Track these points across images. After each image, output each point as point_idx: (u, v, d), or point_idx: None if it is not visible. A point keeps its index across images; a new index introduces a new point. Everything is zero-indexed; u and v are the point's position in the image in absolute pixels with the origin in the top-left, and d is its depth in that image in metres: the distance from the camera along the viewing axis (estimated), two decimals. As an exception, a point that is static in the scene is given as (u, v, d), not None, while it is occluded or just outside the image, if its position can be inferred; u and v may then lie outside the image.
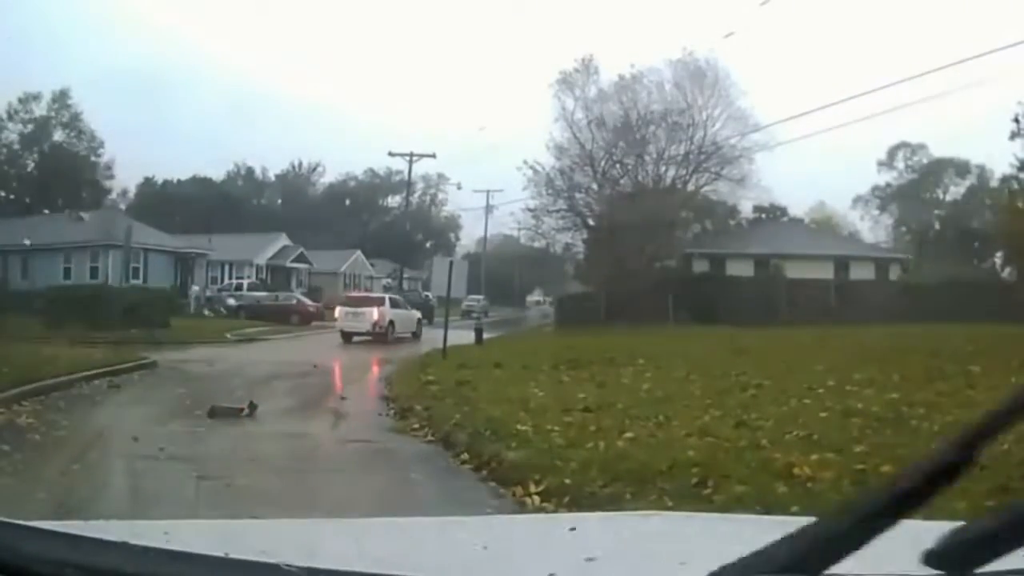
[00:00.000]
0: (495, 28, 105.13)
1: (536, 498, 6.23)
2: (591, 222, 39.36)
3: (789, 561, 0.92)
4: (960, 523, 0.96)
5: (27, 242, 34.94)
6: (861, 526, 0.91)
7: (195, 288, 38.71)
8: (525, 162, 38.54)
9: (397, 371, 15.97)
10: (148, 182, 62.97)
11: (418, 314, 29.72)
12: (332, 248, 54.84)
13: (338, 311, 16.26)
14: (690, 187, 38.84)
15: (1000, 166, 44.94)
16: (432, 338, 20.90)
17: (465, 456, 7.98)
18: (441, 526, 2.06)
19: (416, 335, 27.01)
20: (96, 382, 13.67)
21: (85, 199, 48.56)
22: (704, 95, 37.81)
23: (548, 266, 56.72)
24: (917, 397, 9.63)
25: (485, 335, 25.15)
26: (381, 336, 23.01)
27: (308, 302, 39.33)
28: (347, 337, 16.47)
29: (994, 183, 51.22)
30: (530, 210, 39.52)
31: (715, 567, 1.19)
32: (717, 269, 38.17)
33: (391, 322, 25.21)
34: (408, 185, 55.57)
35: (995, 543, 0.88)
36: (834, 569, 0.91)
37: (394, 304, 26.89)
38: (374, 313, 24.20)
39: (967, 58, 36.42)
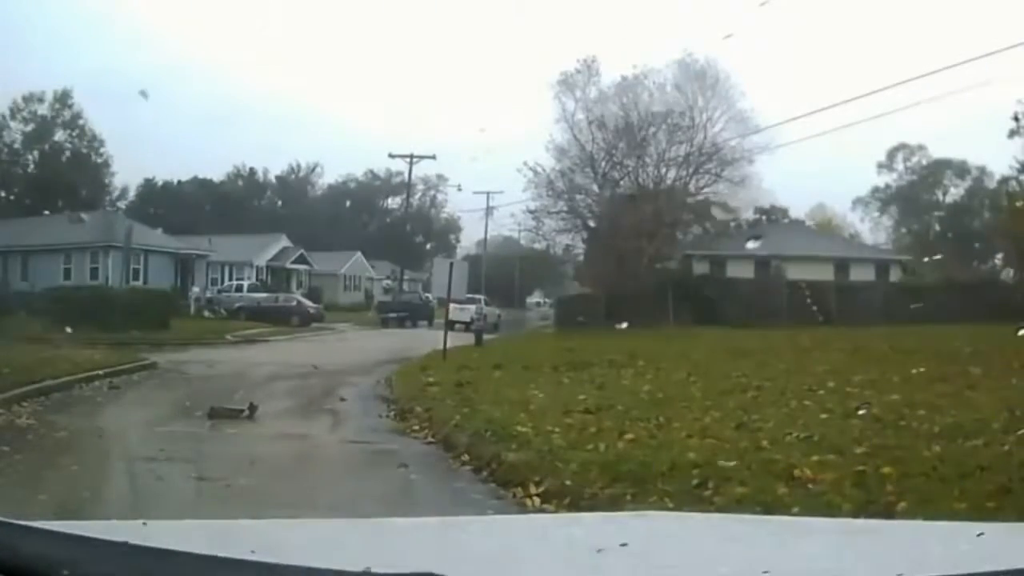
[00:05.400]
0: (495, 29, 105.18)
1: (536, 499, 6.23)
2: (591, 223, 39.36)
3: None
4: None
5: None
6: None
7: (195, 289, 38.70)
8: (525, 163, 38.58)
9: (397, 372, 15.97)
10: (148, 183, 62.98)
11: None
12: (332, 249, 54.84)
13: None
14: (690, 189, 38.85)
15: (999, 167, 45.03)
16: (433, 339, 20.91)
17: (465, 457, 7.98)
18: (441, 527, 2.06)
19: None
20: (96, 383, 13.66)
21: (85, 199, 48.55)
22: (704, 96, 37.81)
23: (548, 268, 56.68)
24: (918, 398, 9.62)
25: (485, 336, 25.31)
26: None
27: (308, 303, 39.32)
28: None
29: (993, 184, 51.29)
30: (530, 211, 39.57)
31: (715, 567, 1.19)
32: (717, 270, 38.16)
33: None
34: (408, 186, 55.61)
35: None
36: None
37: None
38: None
39: (966, 59, 36.41)
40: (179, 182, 64.29)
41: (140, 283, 34.01)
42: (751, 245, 37.17)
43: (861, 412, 8.77)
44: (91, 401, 12.15)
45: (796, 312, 31.74)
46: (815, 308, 32.41)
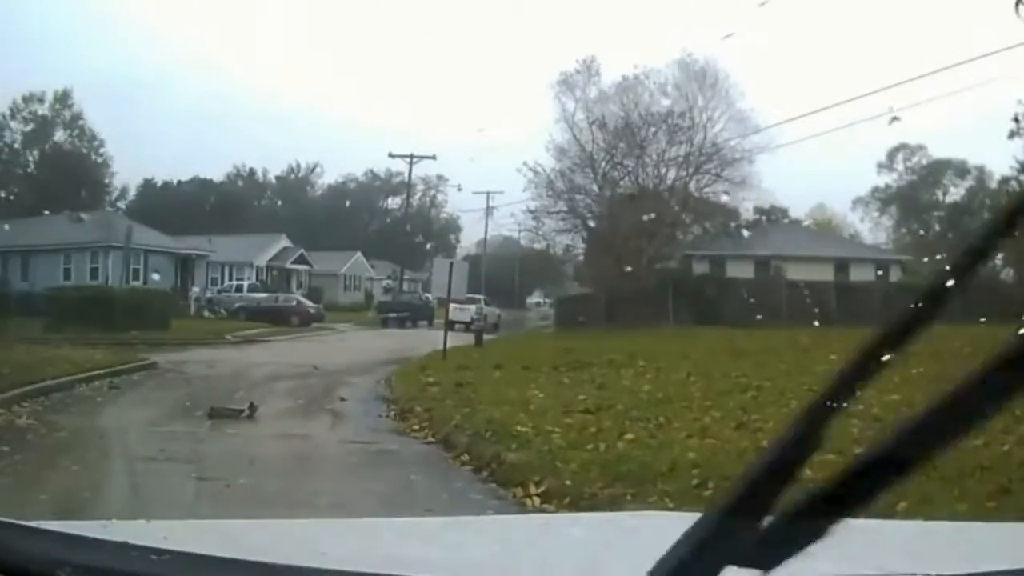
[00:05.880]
0: (495, 29, 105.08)
1: (536, 499, 6.23)
2: (591, 224, 39.38)
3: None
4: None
5: None
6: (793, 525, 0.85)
7: (195, 289, 38.70)
8: (525, 163, 38.61)
9: (397, 372, 15.97)
10: (148, 183, 62.97)
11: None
12: (332, 249, 54.81)
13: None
14: (690, 189, 38.86)
15: (1000, 167, 44.98)
16: (433, 339, 20.92)
17: (465, 457, 7.98)
18: (441, 527, 2.06)
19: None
20: (96, 383, 13.66)
21: (85, 200, 48.55)
22: (704, 96, 37.82)
23: (548, 268, 56.68)
24: (918, 398, 9.60)
25: (485, 336, 25.36)
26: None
27: (308, 303, 39.31)
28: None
29: (994, 184, 51.31)
30: (530, 212, 39.62)
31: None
32: (717, 270, 38.16)
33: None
34: (408, 186, 55.63)
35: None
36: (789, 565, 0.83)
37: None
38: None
39: (967, 59, 36.40)
40: (179, 182, 64.27)
41: (140, 283, 34.02)
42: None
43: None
44: (91, 401, 12.15)
45: (796, 312, 31.72)
46: (815, 309, 32.40)
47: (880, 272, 38.95)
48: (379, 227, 69.25)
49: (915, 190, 60.93)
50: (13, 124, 52.20)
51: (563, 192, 38.53)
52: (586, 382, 12.90)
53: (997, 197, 45.53)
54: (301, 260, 50.87)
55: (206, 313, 36.03)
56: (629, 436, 7.90)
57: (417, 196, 67.18)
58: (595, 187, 38.77)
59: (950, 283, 0.78)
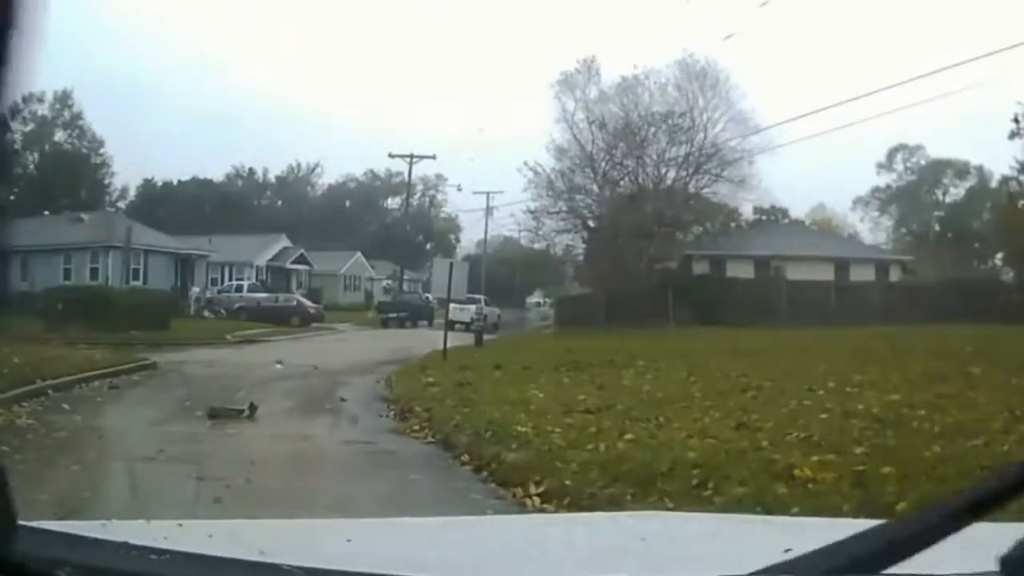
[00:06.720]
0: (495, 29, 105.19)
1: (536, 499, 6.23)
2: (591, 224, 39.36)
3: (855, 559, 0.93)
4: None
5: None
6: (930, 527, 0.94)
7: (195, 289, 38.70)
8: (525, 163, 38.59)
9: (397, 372, 15.97)
10: (148, 183, 62.99)
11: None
12: (332, 249, 54.84)
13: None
14: (690, 189, 38.84)
15: (1000, 167, 44.99)
16: (433, 339, 20.91)
17: (465, 457, 7.98)
18: (441, 526, 2.06)
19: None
20: (96, 383, 13.66)
21: (85, 200, 48.58)
22: (705, 97, 37.81)
23: (548, 268, 56.69)
24: (917, 399, 9.61)
25: (485, 337, 25.39)
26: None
27: (308, 303, 39.33)
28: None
29: (993, 184, 51.33)
30: (530, 212, 39.58)
31: (715, 567, 1.19)
32: (717, 271, 38.17)
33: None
34: (408, 187, 55.62)
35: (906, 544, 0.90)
36: (899, 568, 0.94)
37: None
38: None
39: (966, 59, 36.42)
40: (179, 182, 64.30)
41: (140, 283, 34.01)
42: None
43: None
44: (91, 401, 12.15)
45: (796, 312, 31.73)
46: (815, 308, 32.39)
47: (880, 272, 38.94)
48: (379, 227, 69.23)
49: (915, 190, 61.00)
50: (13, 124, 52.08)
51: (563, 192, 38.52)
52: (586, 382, 12.90)
53: (997, 197, 45.54)
54: (301, 260, 50.87)
55: (206, 313, 36.01)
56: (629, 436, 7.90)
57: (417, 196, 67.29)
58: (595, 187, 38.76)
59: None
